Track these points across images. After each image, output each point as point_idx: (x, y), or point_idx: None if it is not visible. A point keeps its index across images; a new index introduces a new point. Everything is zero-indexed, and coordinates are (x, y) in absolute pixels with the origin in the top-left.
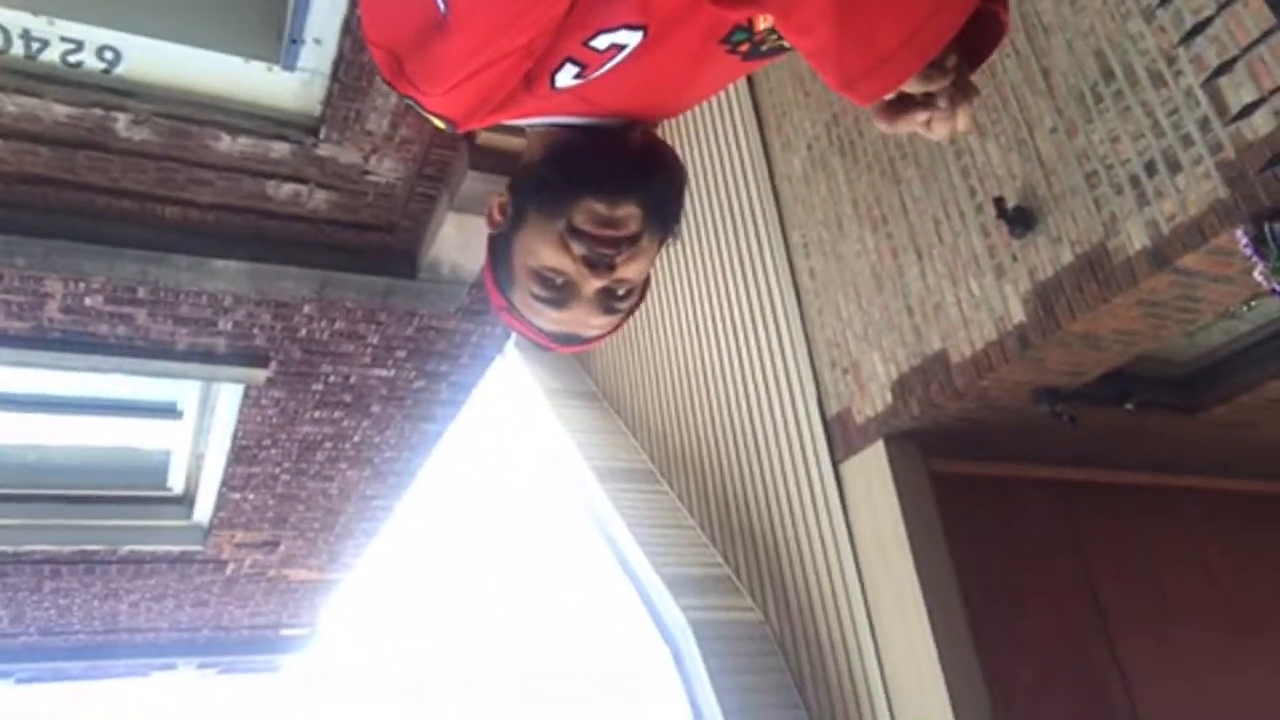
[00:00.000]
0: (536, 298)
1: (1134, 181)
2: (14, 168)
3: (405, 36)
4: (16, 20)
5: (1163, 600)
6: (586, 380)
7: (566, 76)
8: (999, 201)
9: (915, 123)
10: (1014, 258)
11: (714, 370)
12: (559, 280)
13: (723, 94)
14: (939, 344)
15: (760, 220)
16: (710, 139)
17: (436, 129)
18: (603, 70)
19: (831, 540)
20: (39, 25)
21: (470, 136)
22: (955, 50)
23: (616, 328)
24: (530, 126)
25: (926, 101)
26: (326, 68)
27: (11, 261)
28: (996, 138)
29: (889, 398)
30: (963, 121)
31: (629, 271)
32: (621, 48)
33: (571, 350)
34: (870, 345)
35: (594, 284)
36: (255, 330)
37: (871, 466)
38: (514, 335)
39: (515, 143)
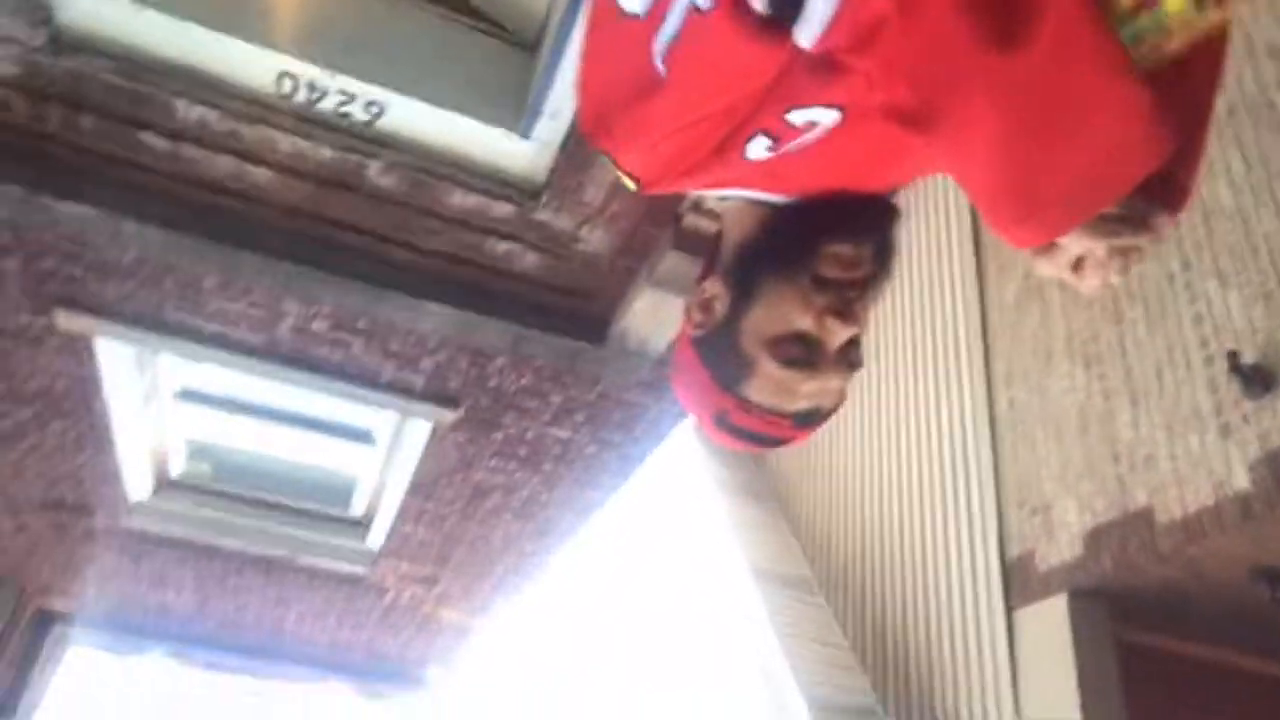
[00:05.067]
0: (789, 365)
1: None
2: (278, 197)
3: (619, 93)
4: (305, 71)
5: None
6: (758, 476)
7: (759, 148)
8: (1233, 356)
9: (1061, 267)
10: (1245, 419)
11: (891, 488)
12: (807, 342)
13: (940, 209)
14: (1144, 499)
15: (963, 343)
16: (921, 253)
17: (629, 191)
18: (794, 145)
19: (993, 692)
20: (322, 77)
21: (677, 219)
22: (1131, 210)
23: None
24: (724, 202)
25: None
26: (558, 139)
27: (260, 280)
28: (1240, 287)
29: (1079, 549)
30: (1106, 279)
31: (865, 318)
32: (815, 125)
33: (809, 434)
34: (1066, 489)
35: (840, 336)
36: (451, 373)
37: (1050, 620)
38: (704, 431)
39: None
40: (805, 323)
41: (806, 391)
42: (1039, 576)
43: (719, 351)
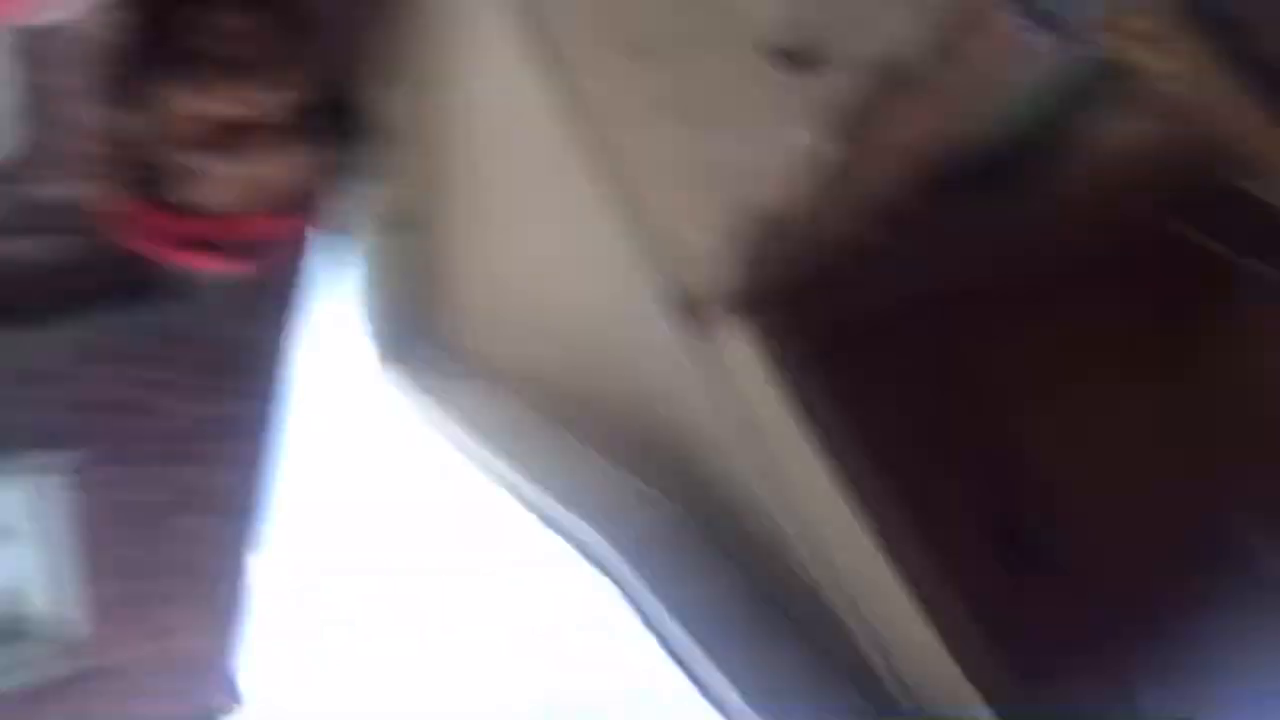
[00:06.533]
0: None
1: None
2: None
3: None
4: None
5: None
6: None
7: None
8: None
9: None
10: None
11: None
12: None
13: None
14: (758, 200)
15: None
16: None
17: None
18: None
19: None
20: None
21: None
22: None
23: None
24: None
25: None
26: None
27: None
28: None
29: (724, 267)
30: None
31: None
32: None
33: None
34: (682, 212)
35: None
36: (49, 406)
37: (730, 346)
38: None
39: None
40: (209, 106)
41: (237, 176)
42: (697, 308)
43: (153, 182)
